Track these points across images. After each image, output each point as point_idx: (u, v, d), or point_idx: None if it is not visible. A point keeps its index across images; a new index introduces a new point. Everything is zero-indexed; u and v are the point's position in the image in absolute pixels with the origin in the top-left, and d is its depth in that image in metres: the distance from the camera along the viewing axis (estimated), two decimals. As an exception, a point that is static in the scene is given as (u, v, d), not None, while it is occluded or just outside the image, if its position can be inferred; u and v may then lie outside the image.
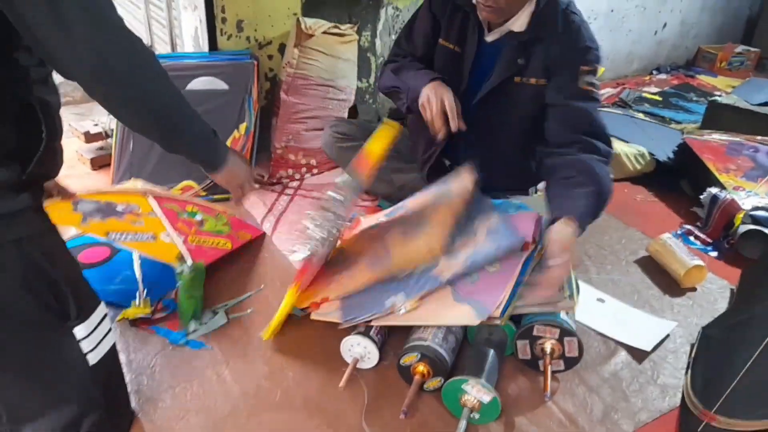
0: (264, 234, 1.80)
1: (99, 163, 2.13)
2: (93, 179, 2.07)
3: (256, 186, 1.29)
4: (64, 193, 1.25)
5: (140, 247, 1.45)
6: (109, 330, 1.03)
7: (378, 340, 1.29)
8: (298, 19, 2.05)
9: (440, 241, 1.35)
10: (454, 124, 1.49)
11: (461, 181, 1.47)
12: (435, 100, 1.49)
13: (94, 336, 0.98)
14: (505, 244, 1.31)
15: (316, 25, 2.05)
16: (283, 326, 1.39)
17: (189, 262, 1.43)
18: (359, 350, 1.28)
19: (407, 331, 1.29)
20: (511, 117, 1.59)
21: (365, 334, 1.28)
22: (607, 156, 1.44)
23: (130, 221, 1.48)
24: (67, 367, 0.97)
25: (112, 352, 1.06)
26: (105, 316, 1.01)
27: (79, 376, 0.98)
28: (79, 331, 0.95)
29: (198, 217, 1.65)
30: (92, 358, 0.99)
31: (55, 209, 1.25)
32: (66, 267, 0.94)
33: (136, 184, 1.69)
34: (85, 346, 0.97)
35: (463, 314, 1.23)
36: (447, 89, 1.51)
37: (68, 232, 1.71)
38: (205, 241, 1.58)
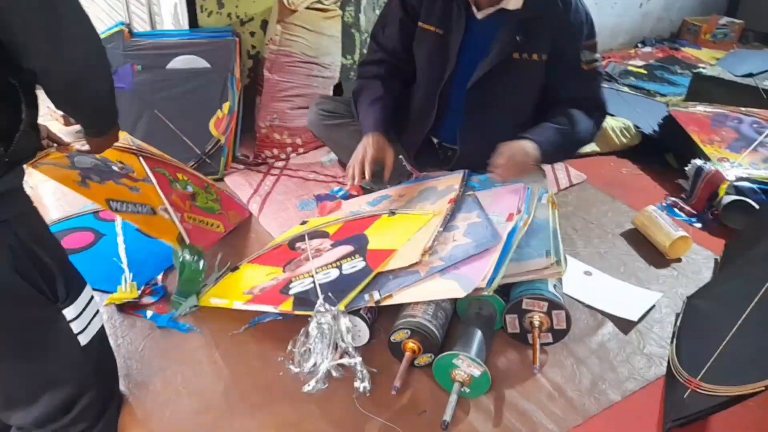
0: (251, 215, 1.78)
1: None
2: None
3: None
4: (59, 142, 1.20)
5: (140, 222, 1.40)
6: (97, 311, 1.04)
7: (368, 318, 1.29)
8: (280, -5, 2.00)
9: (422, 251, 1.32)
10: (350, 184, 1.55)
11: (449, 182, 1.47)
12: (359, 157, 1.52)
13: (83, 317, 0.98)
14: (483, 242, 1.30)
15: (299, 0, 2.01)
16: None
17: (188, 242, 1.43)
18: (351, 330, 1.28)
19: (397, 308, 1.29)
20: (508, 97, 1.57)
21: (356, 312, 1.28)
22: (599, 123, 1.56)
23: (128, 187, 1.43)
24: (59, 349, 0.97)
25: (101, 333, 1.06)
26: (92, 297, 1.02)
27: (72, 357, 0.99)
28: (69, 312, 0.95)
29: (189, 189, 1.62)
30: (83, 339, 0.99)
31: (50, 165, 1.20)
32: (53, 248, 0.94)
33: (126, 137, 1.60)
34: (75, 327, 0.97)
35: (449, 288, 1.24)
36: (380, 148, 1.53)
37: (51, 214, 1.69)
38: (201, 221, 1.57)
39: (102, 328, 1.06)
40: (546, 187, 1.56)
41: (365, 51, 2.28)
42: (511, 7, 1.46)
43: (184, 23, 2.02)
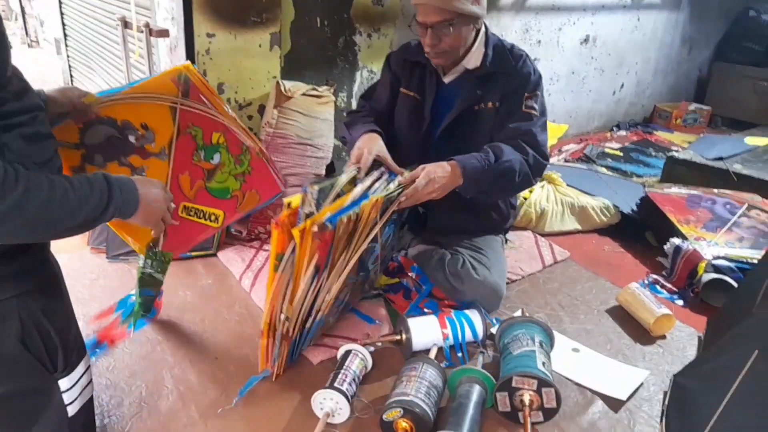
0: (280, 193, 1.61)
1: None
2: (68, 238, 2.05)
3: (173, 221, 1.19)
4: (80, 112, 1.17)
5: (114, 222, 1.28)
6: (89, 381, 1.04)
7: (349, 391, 1.29)
8: (277, 82, 2.13)
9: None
10: (363, 169, 1.56)
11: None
12: (359, 149, 1.61)
13: (76, 388, 0.99)
14: None
15: (295, 87, 2.14)
16: (253, 388, 1.38)
17: (158, 249, 1.35)
18: (330, 404, 1.28)
19: (380, 380, 1.30)
20: (473, 143, 1.70)
21: (336, 388, 1.28)
22: (534, 160, 1.64)
23: (133, 168, 1.33)
24: (48, 419, 0.97)
25: (89, 404, 1.06)
26: (88, 368, 1.03)
27: (58, 428, 0.98)
28: (63, 383, 0.97)
29: (215, 159, 1.47)
30: (71, 410, 0.99)
31: (60, 135, 1.12)
32: (60, 318, 0.96)
33: (182, 71, 1.39)
34: (67, 397, 0.98)
35: None
36: (373, 141, 1.63)
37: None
38: (198, 211, 1.45)
39: (91, 399, 1.07)
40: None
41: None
42: (471, 66, 1.70)
43: (186, 107, 2.12)
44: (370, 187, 1.48)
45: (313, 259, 1.25)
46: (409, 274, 1.87)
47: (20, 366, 0.90)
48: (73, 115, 1.25)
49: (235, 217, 1.54)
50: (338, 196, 1.40)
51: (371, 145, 1.60)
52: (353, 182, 1.49)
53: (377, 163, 1.59)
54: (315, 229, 1.21)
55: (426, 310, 1.72)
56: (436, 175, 1.50)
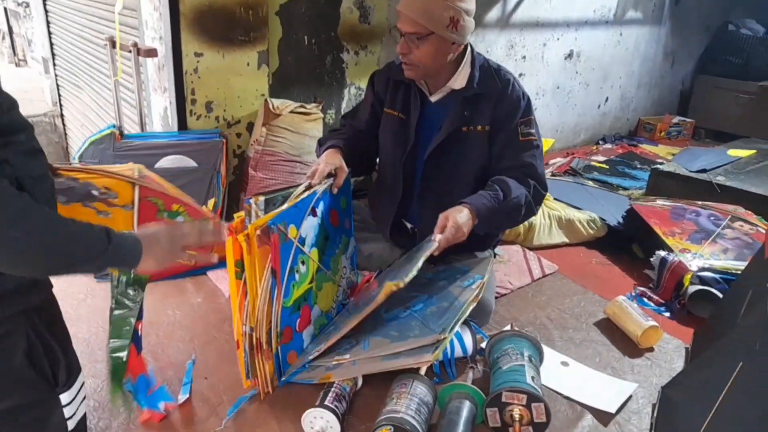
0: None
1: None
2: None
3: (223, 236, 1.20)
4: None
5: None
6: (84, 397, 1.04)
7: (339, 409, 1.29)
8: (266, 100, 2.15)
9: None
10: (315, 181, 1.59)
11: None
12: (316, 164, 1.65)
13: (75, 402, 0.99)
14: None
15: (283, 105, 2.16)
16: (243, 408, 1.37)
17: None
18: (321, 423, 1.27)
19: (371, 397, 1.30)
20: (462, 165, 1.74)
21: (327, 406, 1.28)
22: (535, 191, 1.67)
23: (97, 210, 1.37)
24: None
25: (84, 417, 1.06)
26: (83, 383, 1.03)
27: None
28: (65, 397, 0.97)
29: (179, 219, 1.54)
30: (71, 424, 0.99)
31: None
32: (61, 332, 0.98)
33: (135, 170, 1.51)
34: (67, 411, 0.98)
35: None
36: (333, 156, 1.67)
37: None
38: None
39: (85, 415, 1.06)
40: (484, 273, 1.63)
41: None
42: (457, 86, 1.70)
43: (174, 125, 2.14)
44: (313, 192, 1.53)
45: (267, 264, 1.31)
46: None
47: (25, 380, 0.91)
48: None
49: (201, 265, 1.59)
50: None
51: (329, 159, 1.65)
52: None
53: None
54: (258, 232, 1.28)
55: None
56: (461, 222, 1.52)
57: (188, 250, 1.09)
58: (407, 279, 1.39)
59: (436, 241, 1.50)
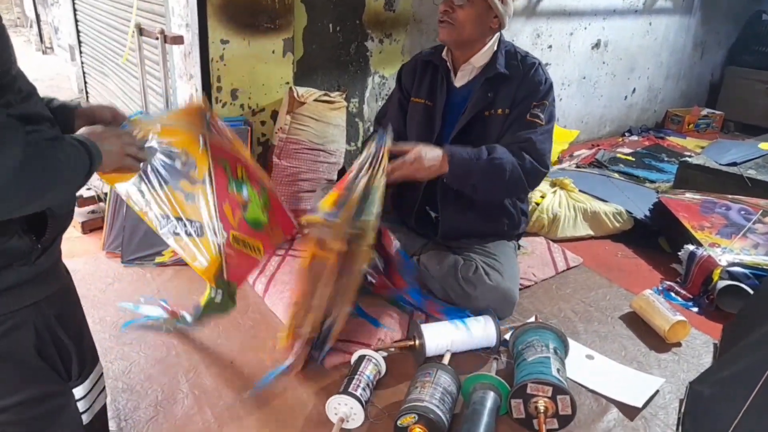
0: (296, 232, 1.64)
1: (90, 226, 2.14)
2: (83, 242, 2.08)
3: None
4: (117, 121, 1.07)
5: (187, 251, 1.29)
6: (103, 388, 1.05)
7: (363, 396, 1.30)
8: (290, 88, 2.15)
9: None
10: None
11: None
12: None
13: (90, 395, 1.00)
14: None
15: (307, 93, 2.15)
16: (265, 393, 1.39)
17: (225, 278, 1.32)
18: (345, 410, 1.28)
19: (393, 386, 1.30)
20: None
21: (351, 393, 1.29)
22: (530, 166, 1.64)
23: (185, 194, 1.27)
24: (64, 427, 0.97)
25: (103, 410, 1.07)
26: (101, 375, 1.03)
27: None
28: (78, 391, 0.97)
29: (245, 193, 1.44)
30: (86, 418, 1.00)
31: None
32: (74, 326, 0.97)
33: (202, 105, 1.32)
34: (81, 405, 0.98)
35: None
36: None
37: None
38: (245, 243, 1.41)
39: (104, 406, 1.07)
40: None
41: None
42: (479, 63, 1.73)
43: (200, 113, 2.14)
44: (361, 169, 1.50)
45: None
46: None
47: (35, 374, 0.90)
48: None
49: (270, 252, 1.52)
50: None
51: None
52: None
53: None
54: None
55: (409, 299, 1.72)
56: (426, 156, 1.54)
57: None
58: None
59: (387, 144, 1.49)
